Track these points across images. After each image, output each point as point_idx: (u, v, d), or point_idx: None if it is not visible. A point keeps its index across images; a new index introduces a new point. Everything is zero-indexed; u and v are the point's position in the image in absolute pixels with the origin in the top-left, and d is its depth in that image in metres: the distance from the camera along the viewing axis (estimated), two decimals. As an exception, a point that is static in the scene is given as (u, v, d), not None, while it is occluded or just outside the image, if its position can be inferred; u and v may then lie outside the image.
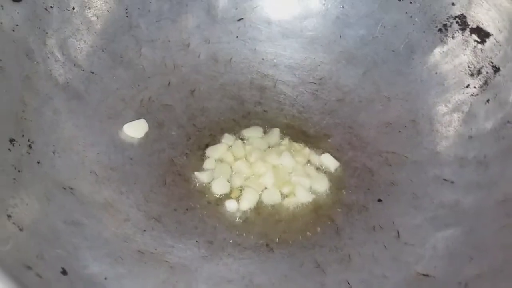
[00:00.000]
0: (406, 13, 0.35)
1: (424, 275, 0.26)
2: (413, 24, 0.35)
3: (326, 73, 0.36)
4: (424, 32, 0.34)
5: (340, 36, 0.37)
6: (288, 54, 0.37)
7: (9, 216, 0.20)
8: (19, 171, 0.23)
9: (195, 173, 0.31)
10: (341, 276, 0.27)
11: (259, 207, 0.31)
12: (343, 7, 0.37)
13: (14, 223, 0.20)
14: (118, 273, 0.23)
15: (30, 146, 0.25)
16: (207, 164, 0.32)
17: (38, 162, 0.25)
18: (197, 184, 0.31)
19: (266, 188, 0.31)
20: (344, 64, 0.36)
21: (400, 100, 0.35)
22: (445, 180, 0.30)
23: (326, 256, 0.28)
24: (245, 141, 0.34)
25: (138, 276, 0.24)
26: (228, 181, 0.32)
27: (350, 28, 0.37)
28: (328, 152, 0.33)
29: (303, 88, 0.36)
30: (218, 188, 0.31)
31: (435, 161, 0.31)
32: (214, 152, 0.33)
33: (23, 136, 0.24)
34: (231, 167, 0.32)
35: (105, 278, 0.22)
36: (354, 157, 0.33)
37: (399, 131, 0.34)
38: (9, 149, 0.23)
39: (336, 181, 0.32)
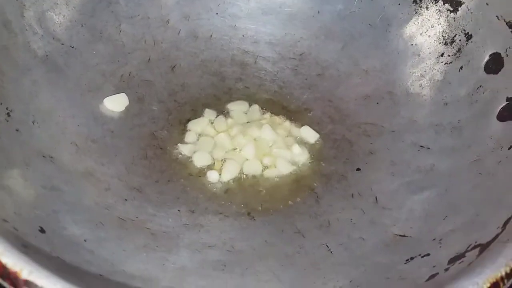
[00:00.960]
0: (381, -15, 0.36)
1: (400, 235, 0.26)
2: (389, -3, 0.36)
3: (306, 48, 0.37)
4: (399, 4, 0.35)
5: (319, 12, 0.37)
6: (268, 30, 0.37)
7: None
8: (-3, 138, 0.23)
9: (178, 144, 0.32)
10: (320, 240, 0.27)
11: (240, 178, 0.31)
12: (317, -17, 0.37)
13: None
14: (98, 236, 0.23)
15: (8, 114, 0.25)
16: (189, 137, 0.33)
17: (17, 130, 0.25)
18: (179, 157, 0.32)
19: (247, 159, 0.32)
20: (323, 39, 0.37)
21: (378, 73, 0.35)
22: (421, 146, 0.31)
23: (306, 222, 0.29)
24: (227, 116, 0.34)
25: (118, 240, 0.24)
26: (210, 154, 0.32)
27: (328, 3, 0.37)
28: (309, 126, 0.34)
29: (283, 64, 0.37)
30: (200, 161, 0.32)
31: (412, 129, 0.32)
32: (196, 126, 0.33)
33: (1, 104, 0.24)
34: (213, 140, 0.33)
35: (85, 240, 0.22)
36: (333, 130, 0.34)
37: (377, 103, 0.34)
38: (-13, 116, 0.23)
39: (316, 153, 0.33)
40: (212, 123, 0.34)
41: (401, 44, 0.35)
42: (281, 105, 0.35)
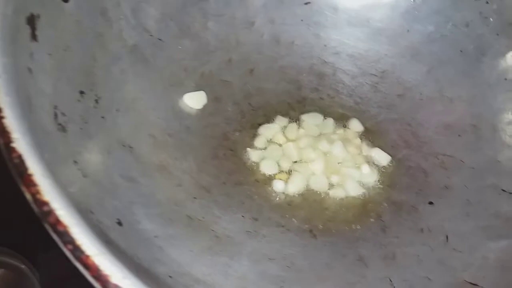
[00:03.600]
0: (480, 13, 0.34)
1: (471, 283, 0.25)
2: (487, 26, 0.34)
3: (389, 66, 0.36)
4: (497, 34, 0.33)
5: (408, 30, 0.36)
6: (352, 43, 0.36)
7: (75, 162, 0.20)
8: (85, 122, 0.24)
9: (248, 149, 0.32)
10: (383, 272, 0.26)
11: (305, 192, 0.31)
12: (414, 1, 0.36)
13: (79, 169, 0.20)
14: (168, 233, 0.23)
15: (96, 101, 0.25)
16: (259, 142, 0.32)
17: (103, 117, 0.25)
18: (247, 162, 0.32)
19: (314, 174, 0.31)
20: (408, 59, 0.35)
21: (463, 103, 0.33)
22: (503, 190, 0.29)
23: (370, 251, 0.28)
24: (298, 126, 0.34)
25: (186, 239, 0.24)
26: (277, 163, 0.32)
27: (419, 23, 0.35)
28: (382, 148, 0.32)
29: (363, 79, 0.36)
30: (267, 168, 0.31)
31: (494, 170, 0.30)
32: (267, 131, 0.33)
33: (91, 90, 0.25)
34: (281, 149, 0.32)
35: (155, 236, 0.22)
36: (408, 156, 0.32)
37: (459, 135, 0.32)
38: (79, 100, 0.24)
39: (387, 178, 0.32)
40: (283, 130, 0.33)
41: (493, 77, 0.33)
42: (360, 123, 0.34)
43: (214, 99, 0.33)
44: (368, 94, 0.35)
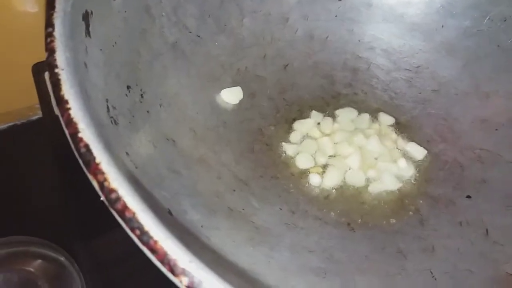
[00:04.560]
0: (519, 8, 0.34)
1: (514, 276, 0.25)
2: (525, 20, 0.33)
3: (424, 61, 0.35)
4: (538, 28, 0.32)
5: (443, 26, 0.36)
6: (386, 38, 0.36)
7: (127, 153, 0.21)
8: (133, 116, 0.24)
9: (283, 143, 0.32)
10: (423, 264, 0.26)
11: (342, 186, 0.31)
12: (449, -5, 0.35)
13: (131, 161, 0.21)
14: (212, 224, 0.24)
15: (142, 96, 0.26)
16: (294, 137, 0.33)
17: (148, 111, 0.26)
18: (283, 156, 0.32)
19: (350, 169, 0.31)
20: (444, 54, 0.35)
21: (500, 98, 0.33)
22: (543, 184, 0.29)
23: (409, 243, 0.28)
24: (334, 120, 0.34)
25: (228, 230, 0.25)
26: (313, 157, 0.32)
27: (454, 18, 0.35)
28: (417, 142, 0.33)
29: (397, 74, 0.36)
30: (302, 162, 0.32)
31: (534, 164, 0.30)
32: (301, 126, 0.33)
33: (137, 85, 0.26)
34: (316, 143, 0.33)
35: (201, 226, 0.23)
36: (444, 150, 0.32)
37: (496, 129, 0.32)
38: (126, 95, 0.24)
39: (423, 172, 0.32)
40: (318, 125, 0.34)
41: (533, 71, 0.32)
42: (390, 116, 0.34)
43: (249, 94, 0.34)
44: (403, 89, 0.35)
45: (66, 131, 0.16)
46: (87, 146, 0.15)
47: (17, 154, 0.40)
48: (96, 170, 0.15)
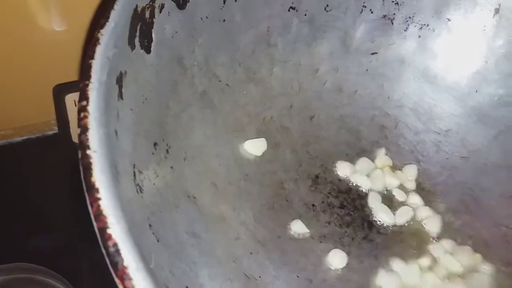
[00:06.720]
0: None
1: None
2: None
3: (454, 125, 0.35)
4: None
5: (476, 91, 0.35)
6: (416, 97, 0.36)
7: (150, 225, 0.20)
8: (157, 176, 0.24)
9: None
10: None
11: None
12: (486, 62, 0.34)
13: (153, 233, 0.20)
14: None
15: (167, 151, 0.25)
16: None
17: (171, 167, 0.25)
18: (302, 214, 0.31)
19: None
20: (475, 121, 0.34)
21: (532, 174, 0.32)
22: None
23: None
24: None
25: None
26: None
27: (489, 84, 0.34)
28: (441, 211, 0.32)
29: (425, 136, 0.35)
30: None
31: None
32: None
33: (163, 140, 0.25)
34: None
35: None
36: (469, 223, 0.31)
37: (525, 207, 0.31)
38: (153, 153, 0.24)
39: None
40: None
41: None
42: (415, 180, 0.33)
43: (273, 145, 0.33)
44: (430, 152, 0.34)
45: (95, 224, 0.15)
46: (116, 245, 0.15)
47: (29, 167, 0.39)
48: (123, 274, 0.14)
